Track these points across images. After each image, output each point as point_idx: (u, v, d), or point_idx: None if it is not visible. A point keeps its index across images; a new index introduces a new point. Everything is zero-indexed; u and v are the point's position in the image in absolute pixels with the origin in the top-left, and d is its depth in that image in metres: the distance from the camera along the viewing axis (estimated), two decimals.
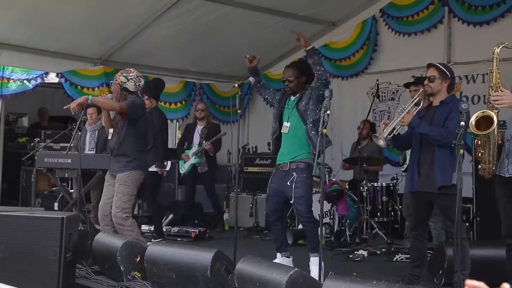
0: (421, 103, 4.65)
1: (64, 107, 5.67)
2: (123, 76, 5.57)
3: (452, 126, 4.31)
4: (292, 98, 5.40)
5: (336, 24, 9.02)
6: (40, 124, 10.33)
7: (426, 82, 4.53)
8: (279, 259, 5.40)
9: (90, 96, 5.51)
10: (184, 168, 8.12)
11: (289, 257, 5.40)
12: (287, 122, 5.33)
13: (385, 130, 4.53)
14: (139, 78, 5.64)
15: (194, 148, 8.06)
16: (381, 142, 4.58)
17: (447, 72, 4.51)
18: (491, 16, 7.36)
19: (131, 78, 5.56)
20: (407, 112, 4.52)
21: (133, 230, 5.49)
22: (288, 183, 5.17)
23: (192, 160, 8.03)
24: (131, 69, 5.71)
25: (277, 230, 5.46)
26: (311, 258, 5.23)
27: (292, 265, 5.17)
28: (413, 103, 4.59)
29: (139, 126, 5.64)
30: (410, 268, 4.77)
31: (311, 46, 5.29)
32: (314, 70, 5.19)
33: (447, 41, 7.92)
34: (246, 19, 8.19)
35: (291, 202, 5.27)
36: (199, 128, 8.19)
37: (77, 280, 4.86)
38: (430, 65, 4.58)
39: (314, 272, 5.08)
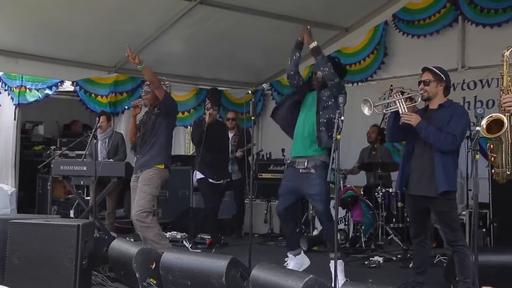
0: (418, 100, 4.48)
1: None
2: (163, 84, 5.66)
3: (458, 132, 4.30)
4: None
5: (349, 30, 9.02)
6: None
7: (421, 86, 4.48)
8: (291, 259, 5.33)
9: (143, 64, 5.43)
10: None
11: (300, 253, 5.33)
12: (299, 117, 5.27)
13: (376, 103, 4.43)
14: (171, 86, 5.83)
15: None
16: (366, 109, 4.44)
17: (442, 75, 4.48)
18: (504, 18, 7.32)
19: (168, 86, 5.71)
20: (405, 110, 4.40)
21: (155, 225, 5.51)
22: (306, 180, 5.08)
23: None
24: (163, 77, 5.82)
25: (288, 229, 5.38)
26: (332, 261, 5.07)
27: (307, 260, 5.22)
28: (409, 95, 4.48)
29: (172, 122, 5.81)
30: (412, 275, 4.71)
31: (315, 45, 5.24)
32: (318, 69, 5.15)
33: (461, 45, 7.88)
34: (258, 26, 8.21)
35: (308, 200, 5.19)
36: (229, 135, 8.07)
37: (93, 287, 4.88)
38: (424, 69, 4.54)
39: (340, 277, 4.86)
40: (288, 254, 5.38)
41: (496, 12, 7.38)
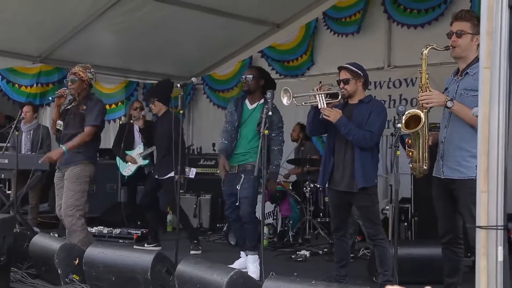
0: (339, 97, 4.53)
1: (40, 161, 5.50)
2: (89, 72, 5.49)
3: (376, 129, 4.42)
4: (250, 106, 5.53)
5: (281, 26, 9.10)
6: None
7: (341, 85, 4.56)
8: (244, 258, 5.52)
9: (64, 148, 5.29)
10: (130, 170, 7.80)
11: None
12: (240, 129, 5.52)
13: (297, 94, 4.45)
14: (95, 74, 5.68)
15: (140, 149, 7.77)
16: (285, 99, 4.42)
17: (359, 71, 4.57)
18: (426, 19, 7.54)
19: (94, 74, 5.58)
20: (326, 106, 4.43)
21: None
22: (235, 184, 5.38)
23: (140, 161, 7.78)
24: (88, 65, 5.61)
25: (238, 229, 5.63)
26: (249, 256, 5.36)
27: (258, 259, 5.26)
28: (331, 92, 4.51)
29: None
30: (335, 268, 4.79)
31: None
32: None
33: (387, 44, 8.10)
34: (191, 19, 8.15)
35: (237, 204, 5.37)
36: (137, 128, 7.85)
37: (12, 284, 4.71)
38: (340, 68, 4.61)
39: (251, 269, 5.24)
40: (241, 252, 5.60)
41: (419, 12, 7.62)
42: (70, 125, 5.45)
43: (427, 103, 3.79)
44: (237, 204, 5.42)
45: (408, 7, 7.68)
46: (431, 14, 7.48)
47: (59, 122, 5.53)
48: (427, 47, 3.88)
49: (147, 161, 7.75)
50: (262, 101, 5.47)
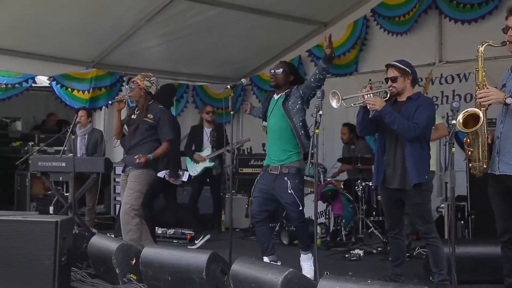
0: (388, 96, 4.48)
1: (137, 161, 5.54)
2: (147, 81, 5.66)
3: (422, 121, 4.30)
4: (276, 96, 5.33)
5: (328, 25, 9.03)
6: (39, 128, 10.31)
7: (389, 83, 4.50)
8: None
9: (150, 156, 5.54)
10: (196, 170, 7.96)
11: (276, 262, 5.20)
12: (266, 121, 5.30)
13: (345, 96, 4.41)
14: (158, 81, 5.80)
15: (208, 151, 7.94)
16: (335, 102, 4.40)
17: (407, 69, 4.49)
18: (479, 14, 7.35)
19: (153, 82, 5.71)
20: (376, 95, 4.40)
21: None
22: (280, 188, 5.11)
23: (207, 163, 7.93)
24: (150, 73, 5.81)
25: (262, 232, 5.29)
26: (302, 255, 5.22)
27: (311, 258, 5.15)
28: (380, 90, 4.48)
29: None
30: (391, 267, 4.73)
31: (333, 55, 5.21)
32: (320, 73, 5.05)
33: (438, 40, 7.94)
34: (237, 21, 8.20)
35: (283, 205, 5.22)
36: (207, 130, 8.05)
37: (72, 284, 4.85)
38: (388, 66, 4.54)
39: (306, 268, 5.12)
40: (263, 257, 5.28)
41: (472, 6, 7.43)
42: (135, 133, 5.65)
43: (485, 101, 3.70)
44: (271, 204, 5.29)
45: (461, 2, 7.49)
46: (484, 8, 7.27)
47: (126, 127, 5.77)
48: (483, 44, 3.79)
49: (213, 163, 7.91)
50: (287, 90, 5.25)
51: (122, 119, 5.89)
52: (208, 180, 8.09)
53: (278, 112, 5.21)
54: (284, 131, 5.16)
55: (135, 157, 5.49)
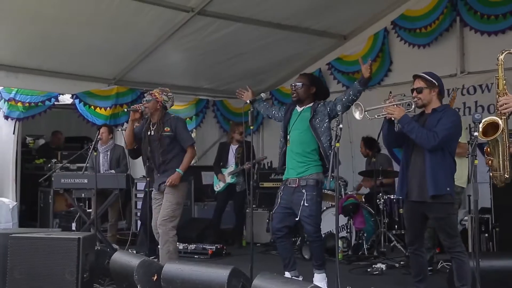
0: (412, 107, 4.48)
1: (166, 184, 5.67)
2: (165, 95, 5.77)
3: (442, 131, 4.24)
4: (299, 108, 5.31)
5: (348, 38, 9.03)
6: (49, 146, 10.37)
7: (414, 94, 4.46)
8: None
9: (180, 171, 5.64)
10: (219, 186, 8.26)
11: (298, 277, 5.20)
12: (290, 134, 5.25)
13: (368, 108, 4.39)
14: (173, 97, 5.92)
15: (231, 168, 8.16)
16: (357, 114, 4.40)
17: (434, 81, 4.45)
18: (505, 26, 7.29)
19: (170, 98, 5.83)
20: (397, 106, 4.39)
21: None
22: (297, 201, 5.08)
23: (229, 179, 8.13)
24: (167, 89, 5.92)
25: (284, 247, 5.26)
26: (316, 275, 5.15)
27: (325, 278, 5.11)
28: (403, 101, 4.46)
29: None
30: (414, 283, 4.65)
31: (371, 78, 5.29)
32: (354, 94, 5.10)
33: (460, 51, 7.87)
34: (257, 35, 8.23)
35: (297, 219, 5.11)
36: (233, 147, 8.27)
37: None
38: (415, 77, 4.51)
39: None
40: (285, 272, 5.27)
41: (496, 18, 7.36)
42: (161, 150, 5.70)
43: (506, 108, 3.66)
44: (291, 219, 5.20)
45: (485, 14, 7.42)
46: (509, 19, 7.20)
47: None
48: (502, 52, 3.76)
49: (234, 179, 8.10)
50: (311, 104, 5.24)
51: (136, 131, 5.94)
52: (231, 195, 8.23)
53: (301, 125, 5.19)
54: (306, 145, 5.15)
55: (166, 183, 5.59)
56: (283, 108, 5.55)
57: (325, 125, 5.13)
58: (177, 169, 5.62)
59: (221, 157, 8.40)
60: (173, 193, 5.61)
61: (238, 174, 8.11)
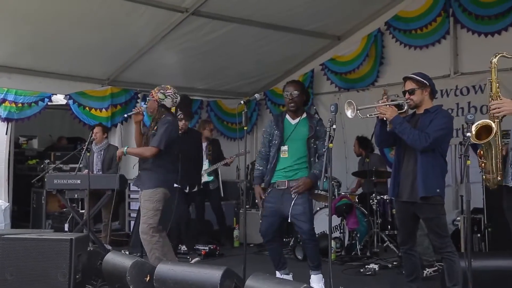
0: (405, 108, 4.47)
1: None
2: (161, 93, 5.63)
3: (433, 132, 4.24)
4: (291, 121, 5.27)
5: (342, 39, 9.04)
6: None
7: (407, 96, 4.47)
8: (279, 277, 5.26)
9: (125, 148, 5.61)
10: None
11: (288, 274, 5.27)
12: (285, 145, 5.20)
13: (360, 107, 4.39)
14: (176, 94, 5.71)
15: (205, 166, 7.97)
16: (349, 112, 4.39)
17: (424, 81, 4.45)
18: (499, 27, 7.30)
19: (169, 95, 5.64)
20: (389, 106, 4.38)
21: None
22: (288, 201, 5.07)
23: (206, 177, 7.99)
24: (168, 86, 5.74)
25: (273, 249, 5.30)
26: (312, 276, 5.15)
27: (322, 279, 5.11)
28: (396, 102, 4.46)
29: (172, 147, 5.64)
30: (405, 283, 4.66)
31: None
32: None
33: (454, 51, 7.88)
34: (251, 36, 8.23)
35: (289, 220, 5.10)
36: (203, 145, 8.00)
37: None
38: (405, 79, 4.51)
39: None
40: (276, 272, 5.30)
41: (489, 18, 7.38)
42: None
43: (498, 112, 3.67)
44: (279, 223, 5.22)
45: (480, 15, 7.45)
46: (502, 22, 7.21)
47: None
48: (496, 56, 3.77)
49: (211, 178, 7.99)
50: (304, 115, 5.25)
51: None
52: (206, 194, 8.11)
53: (296, 139, 5.18)
54: (300, 155, 5.17)
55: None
56: (271, 125, 5.36)
57: (320, 143, 5.10)
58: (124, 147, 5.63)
59: None
60: (149, 199, 5.43)
61: (211, 172, 8.02)
